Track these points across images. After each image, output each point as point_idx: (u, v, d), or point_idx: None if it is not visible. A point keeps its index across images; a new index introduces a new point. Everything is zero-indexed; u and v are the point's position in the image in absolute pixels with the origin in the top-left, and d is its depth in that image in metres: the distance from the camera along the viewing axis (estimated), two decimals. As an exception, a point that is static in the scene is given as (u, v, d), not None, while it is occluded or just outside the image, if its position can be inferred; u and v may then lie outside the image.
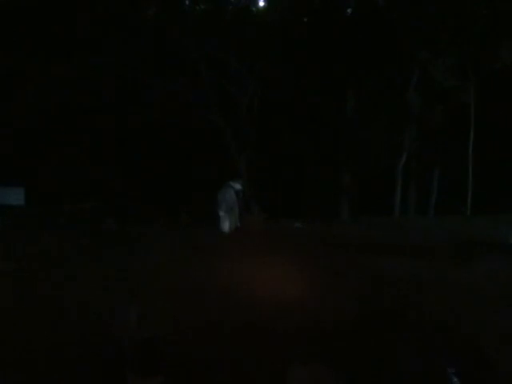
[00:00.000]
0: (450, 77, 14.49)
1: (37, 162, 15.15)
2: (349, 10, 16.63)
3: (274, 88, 15.45)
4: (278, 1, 14.92)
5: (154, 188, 16.08)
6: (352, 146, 16.38)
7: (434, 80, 14.70)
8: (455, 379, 2.32)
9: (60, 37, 12.32)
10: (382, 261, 8.11)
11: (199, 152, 16.67)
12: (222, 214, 11.77)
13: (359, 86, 16.00)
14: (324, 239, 10.73)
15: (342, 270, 7.64)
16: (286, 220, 13.60)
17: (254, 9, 15.36)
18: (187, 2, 14.85)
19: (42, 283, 6.75)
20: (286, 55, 14.79)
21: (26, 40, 12.31)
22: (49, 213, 13.91)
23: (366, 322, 5.12)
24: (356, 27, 15.39)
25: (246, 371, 3.98)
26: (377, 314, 5.41)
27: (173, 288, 6.47)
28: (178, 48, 13.54)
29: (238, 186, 12.14)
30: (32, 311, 5.49)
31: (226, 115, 14.54)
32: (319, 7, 15.77)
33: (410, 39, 14.26)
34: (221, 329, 4.93)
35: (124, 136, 16.13)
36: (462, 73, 14.76)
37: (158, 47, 13.46)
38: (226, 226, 11.73)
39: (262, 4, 15.16)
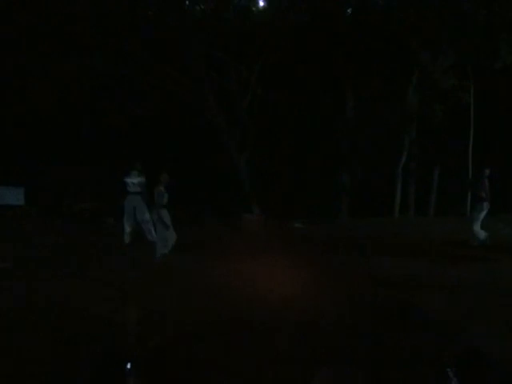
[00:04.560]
0: (450, 77, 14.50)
1: (37, 162, 15.16)
2: (349, 10, 16.63)
3: (274, 88, 15.45)
4: (278, 1, 14.91)
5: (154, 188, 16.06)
6: (352, 146, 16.39)
7: (434, 80, 14.70)
8: (455, 379, 2.32)
9: (59, 36, 12.32)
10: (382, 261, 8.13)
11: (199, 152, 16.68)
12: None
13: (359, 86, 16.00)
14: (324, 239, 10.74)
15: (341, 269, 7.66)
16: (286, 220, 13.60)
17: (253, 9, 15.35)
18: (187, 2, 14.84)
19: (41, 283, 6.76)
20: (286, 55, 14.79)
21: (26, 40, 12.31)
22: (49, 213, 13.93)
23: (365, 322, 5.13)
24: (356, 27, 15.39)
25: (246, 372, 3.98)
26: (376, 313, 5.42)
27: (172, 288, 6.48)
28: (178, 48, 13.53)
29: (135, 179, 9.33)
30: (31, 311, 5.49)
31: (226, 115, 14.54)
32: (319, 7, 15.76)
33: (410, 39, 14.26)
34: (220, 328, 4.93)
35: (124, 136, 16.12)
36: (462, 73, 14.77)
37: (158, 47, 13.45)
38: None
39: (261, 4, 15.16)
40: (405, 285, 6.60)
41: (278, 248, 9.44)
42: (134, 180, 9.25)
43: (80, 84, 13.09)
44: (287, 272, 7.54)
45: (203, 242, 10.14)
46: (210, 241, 10.41)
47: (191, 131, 16.17)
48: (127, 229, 9.47)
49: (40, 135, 15.30)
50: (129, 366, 2.15)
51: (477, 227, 9.25)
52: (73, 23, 12.18)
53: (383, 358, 4.15)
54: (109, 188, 13.79)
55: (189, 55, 13.48)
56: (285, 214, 14.36)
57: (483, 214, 9.28)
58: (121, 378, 2.12)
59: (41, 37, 12.11)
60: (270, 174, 16.60)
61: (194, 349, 4.33)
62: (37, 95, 12.90)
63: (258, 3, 15.01)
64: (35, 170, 15.12)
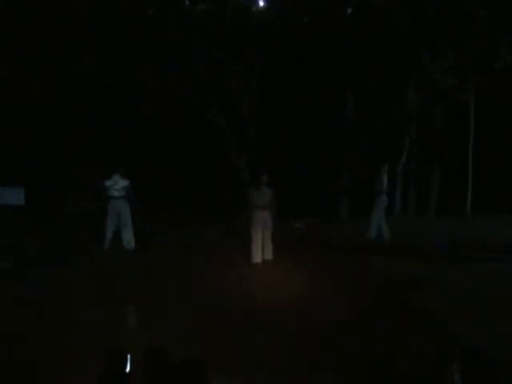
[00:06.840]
0: (450, 77, 14.48)
1: (37, 161, 15.16)
2: (349, 10, 16.60)
3: (274, 88, 15.43)
4: (278, 1, 14.89)
5: (154, 188, 16.08)
6: (352, 146, 16.37)
7: (434, 80, 14.69)
8: (455, 379, 2.32)
9: (59, 36, 12.32)
10: (382, 261, 8.13)
11: (199, 152, 16.67)
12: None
13: (359, 86, 15.99)
14: (324, 239, 10.75)
15: (341, 269, 7.66)
16: (286, 220, 13.59)
17: (253, 9, 15.33)
18: (187, 2, 14.82)
19: (41, 283, 6.77)
20: (287, 55, 14.78)
21: (26, 40, 12.31)
22: (49, 213, 13.94)
23: (365, 322, 5.13)
24: (356, 27, 15.37)
25: (244, 371, 3.98)
26: (376, 314, 5.42)
27: (171, 288, 6.49)
28: (178, 48, 13.52)
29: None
30: (31, 310, 5.50)
31: (226, 115, 14.53)
32: (319, 7, 15.74)
33: (409, 39, 14.25)
34: (217, 330, 4.93)
35: (124, 136, 16.12)
36: (462, 73, 14.75)
37: (158, 47, 13.44)
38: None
39: (261, 4, 15.13)
40: (405, 285, 6.60)
41: (277, 248, 9.43)
42: (117, 184, 8.86)
43: (80, 84, 13.10)
44: (286, 272, 7.54)
45: (203, 242, 10.14)
46: (209, 240, 10.40)
47: (191, 131, 16.16)
48: (109, 235, 8.96)
49: (40, 135, 15.29)
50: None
51: (375, 221, 9.77)
52: (73, 23, 12.19)
53: (383, 358, 4.15)
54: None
55: (189, 55, 13.48)
56: (284, 214, 14.33)
57: (382, 207, 9.73)
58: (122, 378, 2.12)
59: (41, 36, 12.12)
60: (270, 174, 16.56)
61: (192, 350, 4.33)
62: (37, 95, 12.90)
63: (257, 3, 14.99)
64: (35, 170, 15.13)
